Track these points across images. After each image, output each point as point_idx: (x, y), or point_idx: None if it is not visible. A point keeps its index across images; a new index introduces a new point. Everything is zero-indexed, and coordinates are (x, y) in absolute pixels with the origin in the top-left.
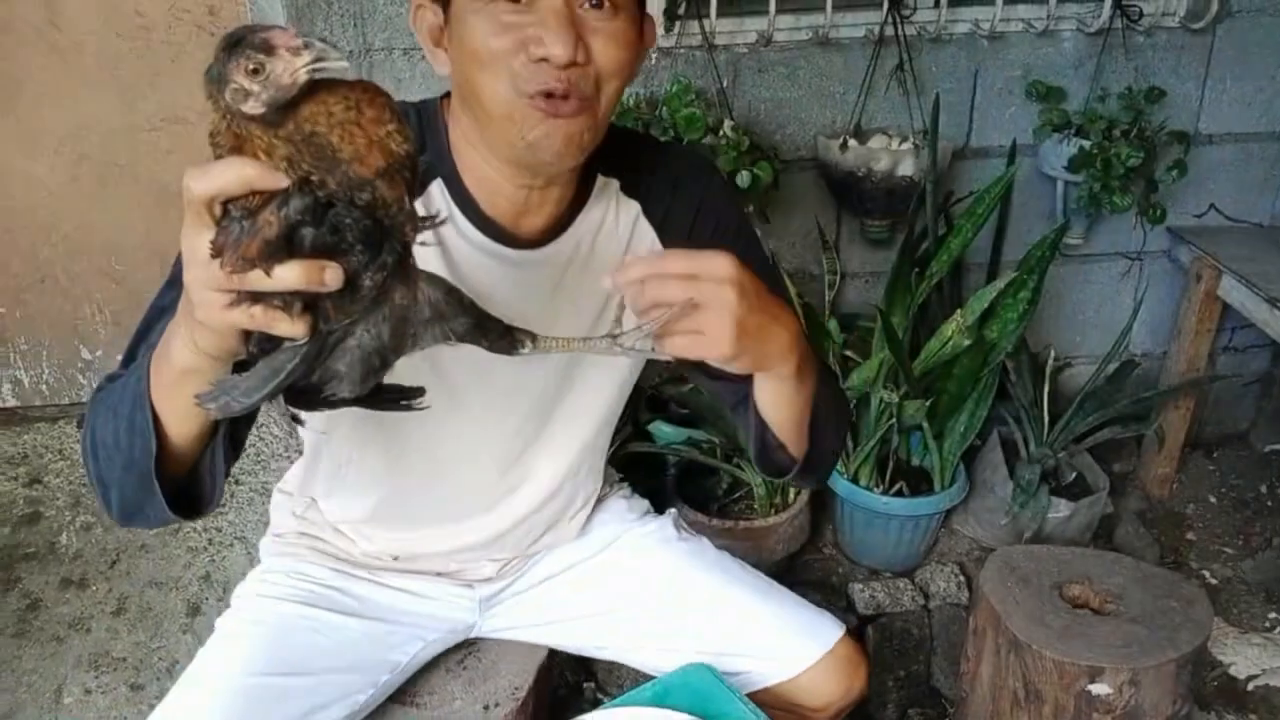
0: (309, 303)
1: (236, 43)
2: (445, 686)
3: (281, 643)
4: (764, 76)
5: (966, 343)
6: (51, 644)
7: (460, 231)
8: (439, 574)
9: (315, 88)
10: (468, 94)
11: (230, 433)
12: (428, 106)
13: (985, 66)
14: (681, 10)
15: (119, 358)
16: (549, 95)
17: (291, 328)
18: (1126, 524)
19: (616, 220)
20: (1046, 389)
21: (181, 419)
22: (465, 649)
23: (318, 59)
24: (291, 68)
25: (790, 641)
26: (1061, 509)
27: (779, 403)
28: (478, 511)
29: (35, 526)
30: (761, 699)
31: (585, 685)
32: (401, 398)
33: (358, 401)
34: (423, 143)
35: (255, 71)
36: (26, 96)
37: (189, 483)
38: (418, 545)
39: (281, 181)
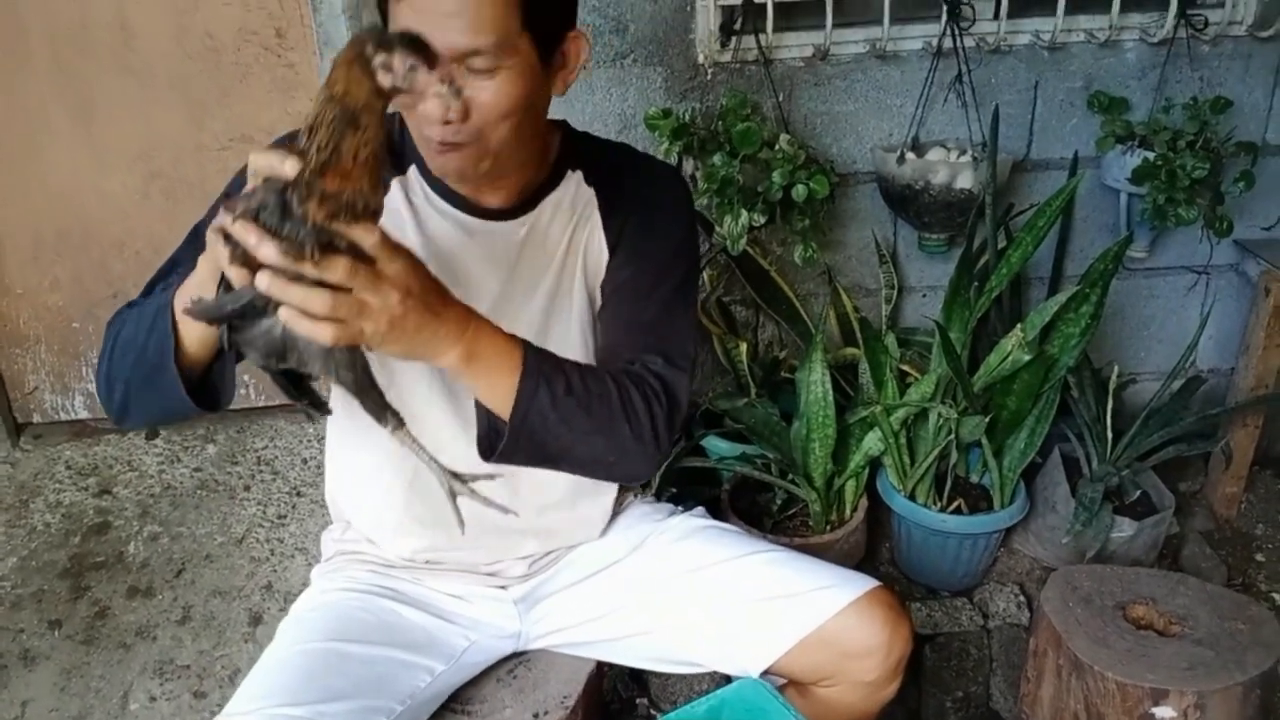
0: (251, 266)
1: (417, 44)
2: (495, 695)
3: (339, 618)
4: (820, 90)
5: (1027, 358)
6: (119, 651)
7: (430, 202)
8: (469, 572)
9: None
10: None
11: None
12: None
13: (1046, 78)
14: (738, 25)
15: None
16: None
17: (230, 269)
18: (1192, 544)
19: (572, 204)
20: (1110, 405)
21: (190, 324)
22: (515, 660)
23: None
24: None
25: (824, 588)
26: (1125, 528)
27: (470, 386)
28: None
29: (104, 536)
30: (808, 663)
31: (639, 701)
32: (311, 403)
33: (270, 372)
34: (403, 138)
35: (412, 68)
36: (101, 116)
37: (203, 386)
38: (438, 541)
39: (289, 173)
